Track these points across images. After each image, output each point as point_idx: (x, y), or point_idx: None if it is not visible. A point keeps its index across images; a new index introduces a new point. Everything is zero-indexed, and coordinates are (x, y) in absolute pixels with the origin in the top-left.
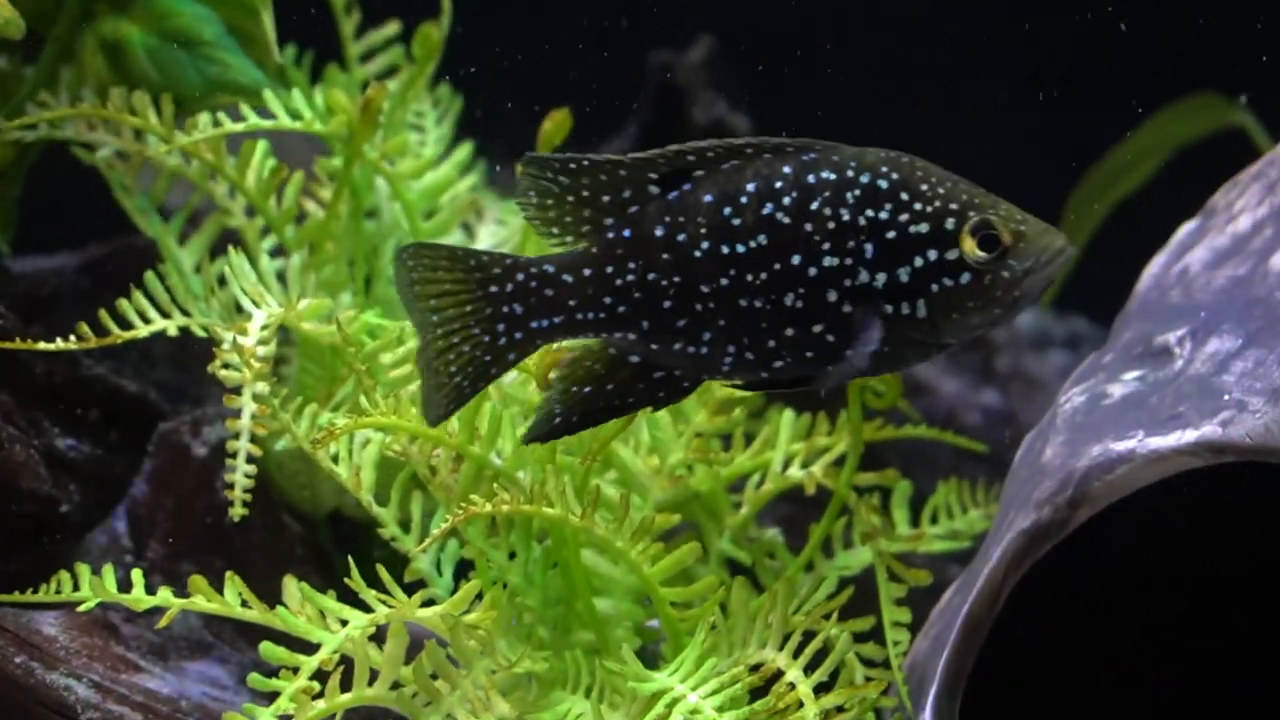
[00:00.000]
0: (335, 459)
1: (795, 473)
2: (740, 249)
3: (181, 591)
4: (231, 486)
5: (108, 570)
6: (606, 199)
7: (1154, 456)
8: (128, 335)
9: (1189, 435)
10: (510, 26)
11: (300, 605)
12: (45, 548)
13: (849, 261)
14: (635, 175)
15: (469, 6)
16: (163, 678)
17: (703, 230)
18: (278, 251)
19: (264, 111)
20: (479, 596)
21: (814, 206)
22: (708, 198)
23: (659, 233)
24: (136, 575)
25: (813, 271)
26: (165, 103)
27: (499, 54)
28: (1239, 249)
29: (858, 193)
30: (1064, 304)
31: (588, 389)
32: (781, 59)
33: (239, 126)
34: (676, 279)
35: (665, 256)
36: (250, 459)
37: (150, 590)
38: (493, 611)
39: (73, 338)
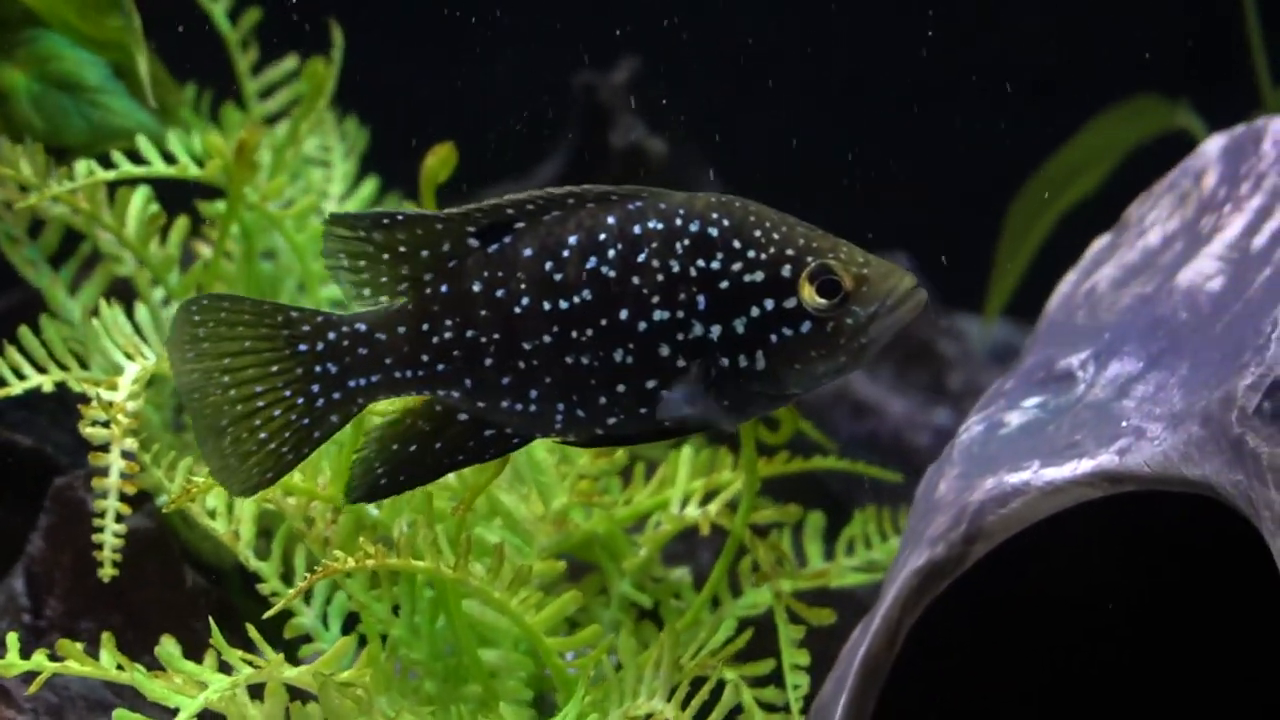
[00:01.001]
0: (213, 514)
1: (692, 512)
2: (564, 304)
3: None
4: (102, 547)
5: None
6: (425, 254)
7: (1049, 488)
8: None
9: (1085, 465)
10: (433, 53)
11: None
12: None
13: (681, 314)
14: (453, 229)
15: (391, 33)
16: None
17: (523, 285)
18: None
19: (139, 157)
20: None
21: (641, 258)
22: (528, 251)
23: (477, 288)
24: (11, 639)
25: (643, 326)
26: (37, 152)
27: (417, 81)
28: (1147, 265)
29: (687, 242)
30: (1026, 314)
31: (413, 447)
32: (716, 77)
33: (109, 175)
34: (497, 336)
35: (484, 313)
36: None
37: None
38: (368, 669)
39: None
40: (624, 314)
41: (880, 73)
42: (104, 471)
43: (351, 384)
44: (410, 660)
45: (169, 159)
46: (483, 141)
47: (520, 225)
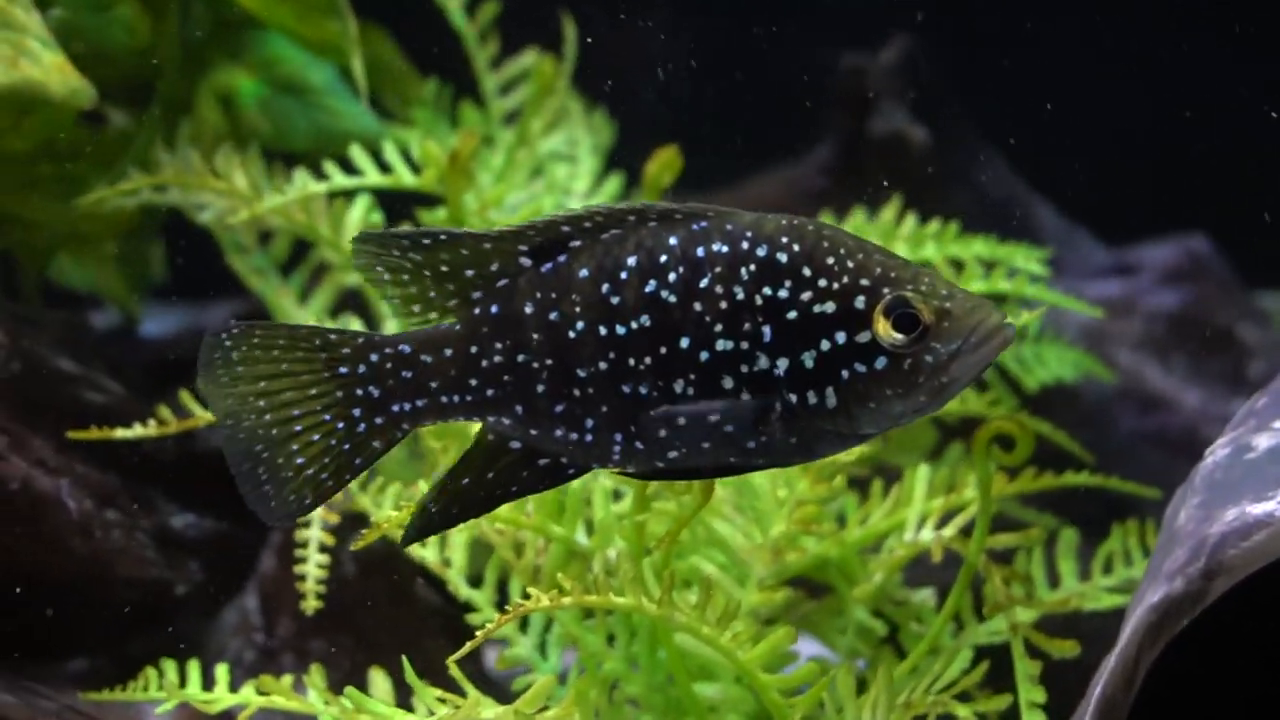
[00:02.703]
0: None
1: (926, 536)
2: (621, 330)
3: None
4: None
5: (193, 667)
6: (471, 273)
7: None
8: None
9: None
10: (688, 34)
11: (386, 696)
12: (168, 630)
13: (745, 345)
14: (504, 248)
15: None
16: None
17: (578, 308)
18: None
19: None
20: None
21: (704, 284)
22: (584, 272)
23: (529, 309)
24: (221, 672)
25: (704, 356)
26: (251, 163)
27: (675, 65)
28: None
29: (753, 268)
30: None
31: (465, 479)
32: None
33: (320, 187)
34: (550, 361)
35: (537, 336)
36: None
37: (278, 669)
38: (574, 709)
39: (152, 422)
40: (685, 342)
41: (1180, 43)
42: None
43: (395, 408)
44: (627, 693)
45: (385, 168)
46: (748, 125)
47: (576, 244)
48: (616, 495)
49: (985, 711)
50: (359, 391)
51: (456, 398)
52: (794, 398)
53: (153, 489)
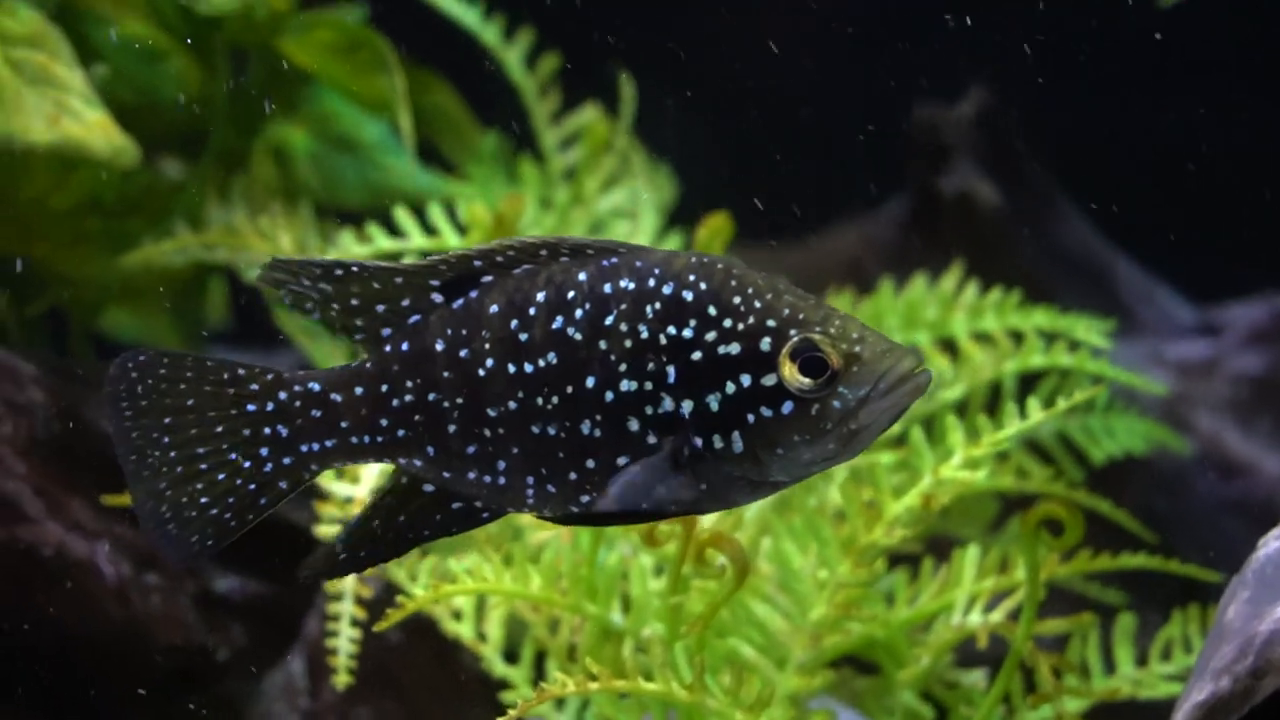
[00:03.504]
0: (459, 616)
1: (973, 620)
2: (529, 368)
3: None
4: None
5: None
6: (382, 308)
7: None
8: None
9: None
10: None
11: None
12: (210, 694)
13: (649, 386)
14: (415, 282)
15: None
16: None
17: (487, 345)
18: None
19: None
20: None
21: (609, 321)
22: (494, 308)
23: (440, 347)
24: None
25: (610, 396)
26: (293, 226)
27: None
28: None
29: (659, 306)
30: None
31: (375, 521)
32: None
33: (364, 250)
34: (460, 400)
35: (447, 374)
36: None
37: None
38: None
39: None
40: (591, 382)
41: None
42: None
43: (304, 448)
44: None
45: (430, 229)
46: (824, 175)
47: (488, 279)
48: (659, 570)
49: None
50: (267, 430)
51: (367, 438)
52: (700, 442)
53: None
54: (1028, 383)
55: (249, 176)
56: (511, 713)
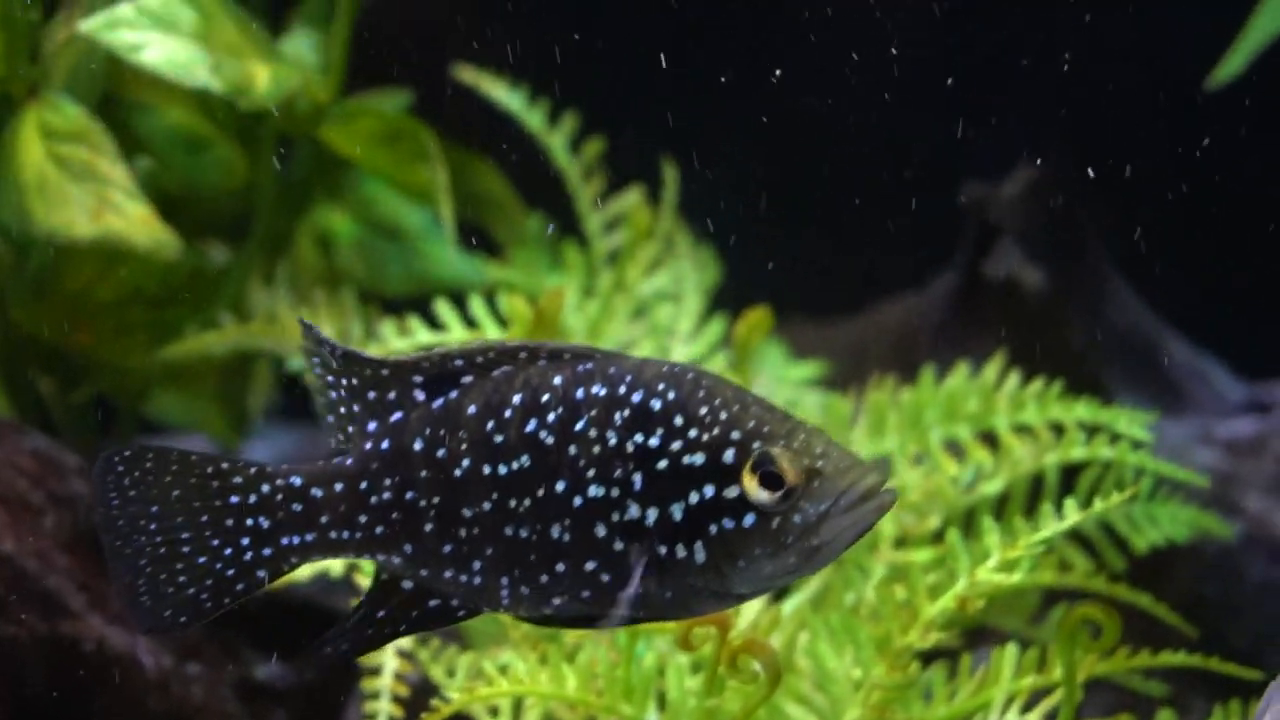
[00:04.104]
0: (496, 712)
1: (1012, 719)
2: (503, 470)
3: None
4: None
5: None
6: (372, 396)
7: None
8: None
9: None
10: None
11: None
12: None
13: (616, 493)
14: (400, 375)
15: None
16: None
17: (464, 446)
18: None
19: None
20: None
21: (579, 427)
22: (472, 409)
23: (418, 446)
24: None
25: (578, 501)
26: (339, 312)
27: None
28: None
29: (627, 413)
30: None
31: (356, 615)
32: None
33: (404, 344)
34: (437, 500)
35: (425, 474)
36: None
37: None
38: None
39: None
40: (561, 486)
41: None
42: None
43: (284, 541)
44: None
45: (470, 322)
46: (872, 252)
47: (468, 379)
48: (696, 668)
49: None
50: (249, 521)
51: (346, 534)
52: (664, 550)
53: (238, 639)
54: (1070, 473)
55: (292, 262)
56: None
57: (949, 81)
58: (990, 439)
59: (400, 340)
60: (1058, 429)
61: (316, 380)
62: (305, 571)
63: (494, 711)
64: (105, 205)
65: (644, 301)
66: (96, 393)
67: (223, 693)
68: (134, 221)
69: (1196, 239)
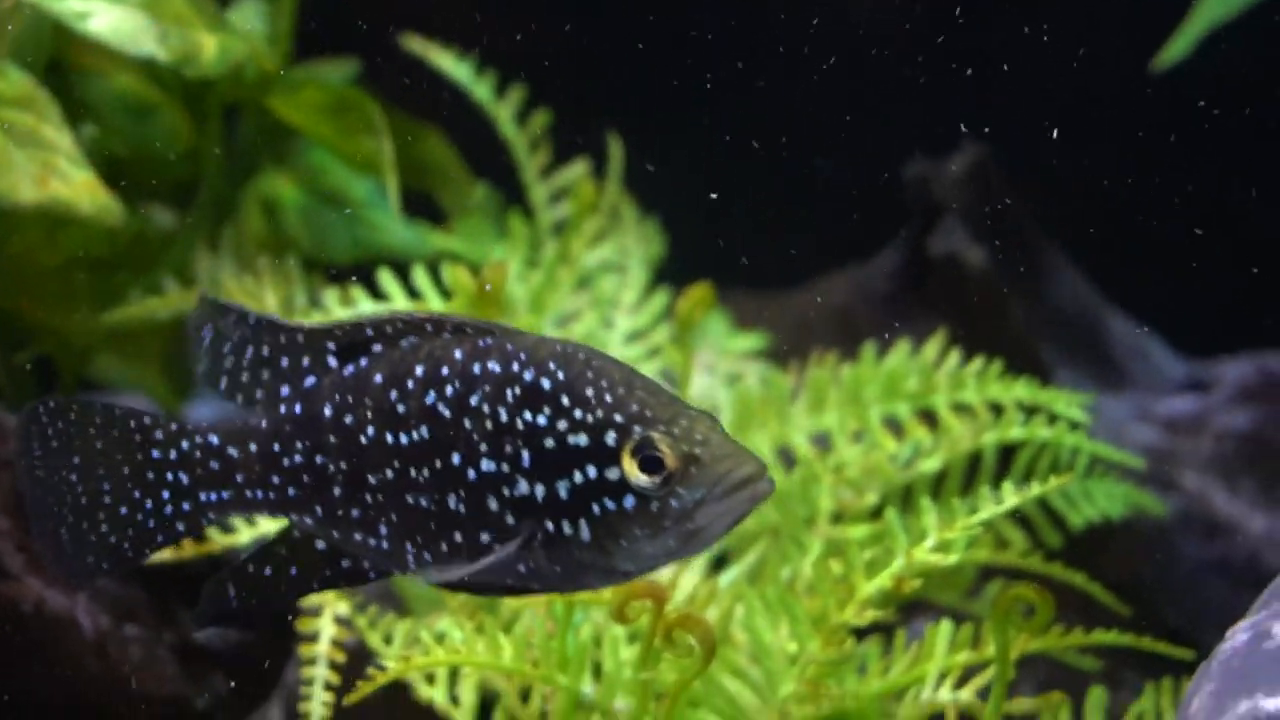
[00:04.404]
0: (433, 680)
1: (943, 695)
2: (404, 440)
3: None
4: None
5: None
6: (285, 364)
7: None
8: (227, 540)
9: None
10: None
11: None
12: None
13: (506, 468)
14: (314, 343)
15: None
16: None
17: (369, 414)
18: None
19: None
20: None
21: (474, 401)
22: (378, 378)
23: (328, 412)
24: None
25: (472, 475)
26: (283, 280)
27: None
28: None
29: (518, 391)
30: None
31: (267, 570)
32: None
33: (346, 315)
34: (344, 465)
35: (333, 439)
36: None
37: None
38: None
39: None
40: (456, 459)
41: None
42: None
43: (203, 497)
44: None
45: (413, 293)
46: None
47: (377, 349)
48: (633, 638)
49: None
50: (169, 476)
51: (260, 494)
52: (551, 526)
53: (177, 601)
54: (1008, 452)
55: (238, 228)
56: None
57: (894, 57)
58: (929, 417)
59: (343, 309)
60: (996, 408)
61: (203, 353)
62: (245, 535)
63: (430, 680)
64: (50, 171)
65: (588, 273)
66: (38, 355)
67: (160, 654)
68: (78, 188)
69: (1138, 217)
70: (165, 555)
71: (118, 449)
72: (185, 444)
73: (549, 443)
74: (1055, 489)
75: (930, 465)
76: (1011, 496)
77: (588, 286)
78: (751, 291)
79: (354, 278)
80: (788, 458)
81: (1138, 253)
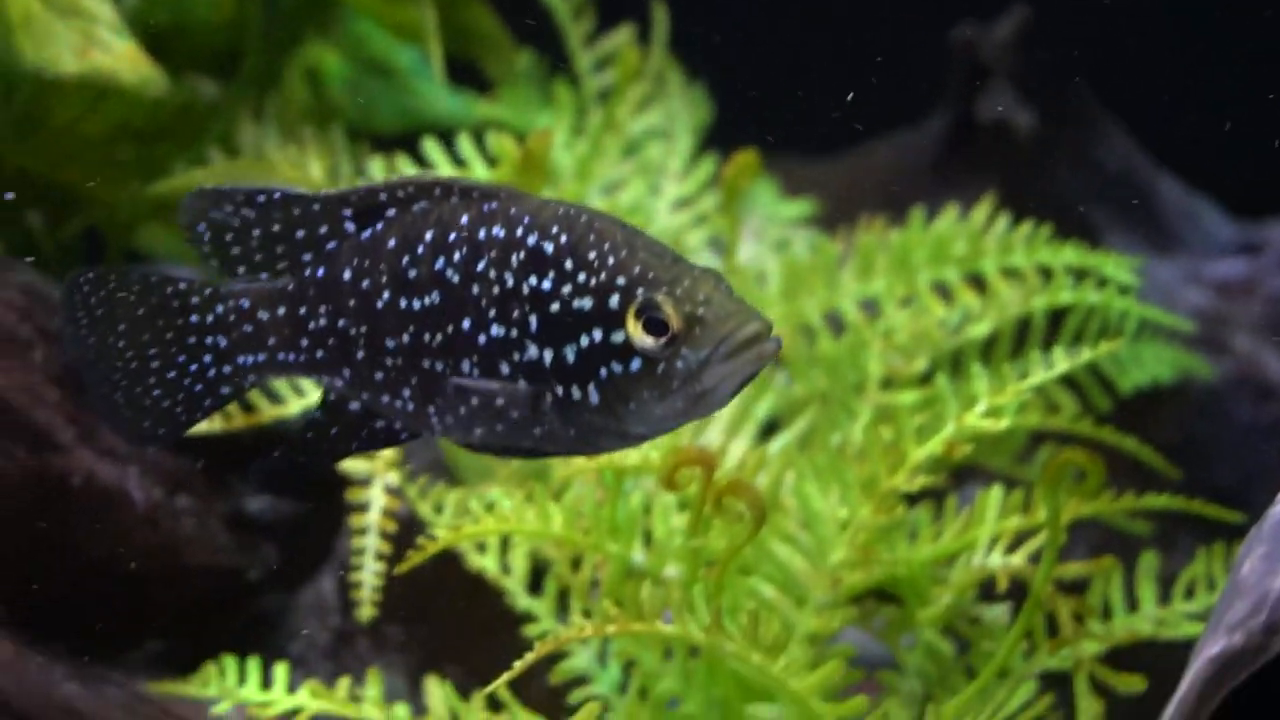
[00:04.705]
0: (484, 549)
1: (994, 561)
2: (417, 305)
3: (384, 658)
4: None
5: (253, 665)
6: (302, 234)
7: None
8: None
9: None
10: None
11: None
12: (242, 614)
13: (514, 334)
14: (330, 210)
15: None
16: None
17: (384, 279)
18: None
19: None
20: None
21: (480, 267)
22: (391, 243)
23: (347, 276)
24: (280, 672)
25: (483, 340)
26: (329, 149)
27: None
28: None
29: (523, 255)
30: None
31: (310, 432)
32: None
33: (374, 182)
34: (364, 329)
35: (353, 303)
36: None
37: (353, 653)
38: None
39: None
40: (466, 324)
41: None
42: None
43: (240, 360)
44: (683, 712)
45: (459, 161)
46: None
47: (391, 213)
48: (683, 506)
49: None
50: (208, 340)
51: (291, 356)
52: (561, 390)
53: (229, 472)
54: (1057, 316)
55: (282, 98)
56: (529, 656)
57: None
58: (978, 282)
59: (377, 177)
60: (1045, 273)
61: (206, 248)
62: (295, 406)
63: (481, 549)
64: (91, 42)
65: (634, 140)
66: (85, 227)
67: (212, 526)
68: (120, 58)
69: (1188, 78)
70: (216, 426)
71: (158, 315)
72: (220, 308)
73: (554, 307)
74: (1105, 353)
75: (979, 330)
76: (1061, 361)
77: (634, 154)
78: (798, 157)
79: (398, 148)
80: (836, 323)
81: (1188, 114)
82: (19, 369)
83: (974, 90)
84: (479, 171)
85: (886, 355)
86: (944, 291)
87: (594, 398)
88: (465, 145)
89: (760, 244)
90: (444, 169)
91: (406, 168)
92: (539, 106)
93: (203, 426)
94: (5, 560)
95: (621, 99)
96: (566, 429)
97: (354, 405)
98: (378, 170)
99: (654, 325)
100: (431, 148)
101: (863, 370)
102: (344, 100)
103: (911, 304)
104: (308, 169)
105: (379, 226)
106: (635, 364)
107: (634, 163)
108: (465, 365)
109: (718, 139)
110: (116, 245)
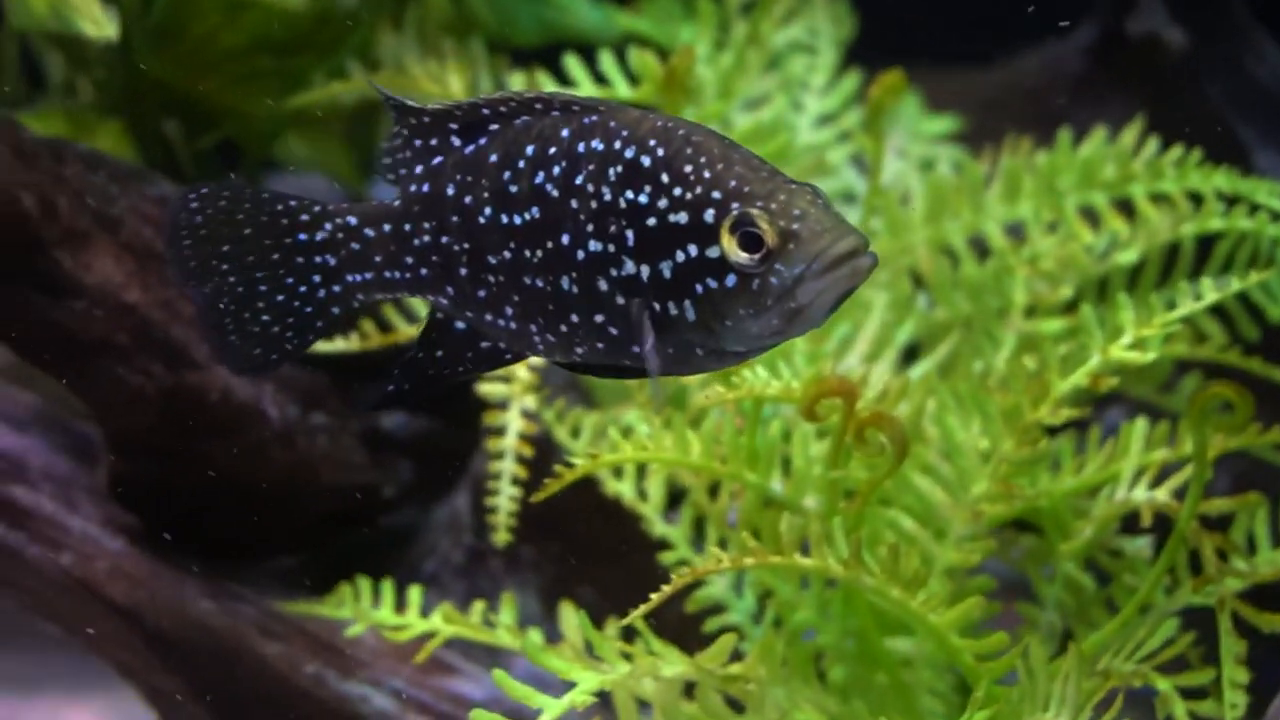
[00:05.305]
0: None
1: (1138, 495)
2: (518, 220)
3: (517, 576)
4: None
5: (387, 587)
6: (418, 143)
7: None
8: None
9: None
10: None
11: (575, 633)
12: (376, 529)
13: (612, 249)
14: (438, 123)
15: None
16: (479, 680)
17: (485, 195)
18: None
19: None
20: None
21: (579, 181)
22: (493, 158)
23: (450, 192)
24: (414, 595)
25: (580, 255)
26: (467, 63)
27: None
28: None
29: (620, 169)
30: None
31: (419, 354)
32: None
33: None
34: (466, 245)
35: (455, 219)
36: None
37: (486, 572)
38: (760, 665)
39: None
40: (565, 239)
41: None
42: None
43: (349, 278)
44: (818, 644)
45: (600, 78)
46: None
47: (494, 128)
48: (823, 434)
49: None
50: (317, 259)
51: (396, 274)
52: (658, 307)
53: (364, 389)
54: (1205, 242)
55: (421, 9)
56: (666, 589)
57: None
58: (1126, 207)
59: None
60: (1195, 198)
61: (396, 152)
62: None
63: (618, 474)
64: None
65: (778, 54)
66: (223, 139)
67: (347, 443)
68: None
69: None
70: (354, 345)
71: (267, 233)
72: (329, 225)
73: (651, 221)
74: (1255, 283)
75: (1127, 257)
76: (1210, 292)
77: (777, 68)
78: (944, 70)
79: (538, 63)
80: (981, 247)
81: None
82: (156, 284)
83: (1124, 3)
84: (621, 90)
85: (1031, 281)
86: (1091, 216)
87: (690, 314)
88: (607, 62)
89: (903, 161)
90: (585, 86)
91: (546, 84)
92: (681, 19)
93: (338, 344)
94: (142, 476)
95: (766, 12)
96: (665, 347)
97: (459, 325)
98: (517, 85)
99: (748, 240)
100: (572, 63)
101: (1007, 296)
102: (484, 11)
103: (1058, 229)
104: (447, 82)
105: (481, 141)
106: (730, 280)
107: (777, 78)
108: (565, 281)
109: (861, 53)
110: (253, 156)
